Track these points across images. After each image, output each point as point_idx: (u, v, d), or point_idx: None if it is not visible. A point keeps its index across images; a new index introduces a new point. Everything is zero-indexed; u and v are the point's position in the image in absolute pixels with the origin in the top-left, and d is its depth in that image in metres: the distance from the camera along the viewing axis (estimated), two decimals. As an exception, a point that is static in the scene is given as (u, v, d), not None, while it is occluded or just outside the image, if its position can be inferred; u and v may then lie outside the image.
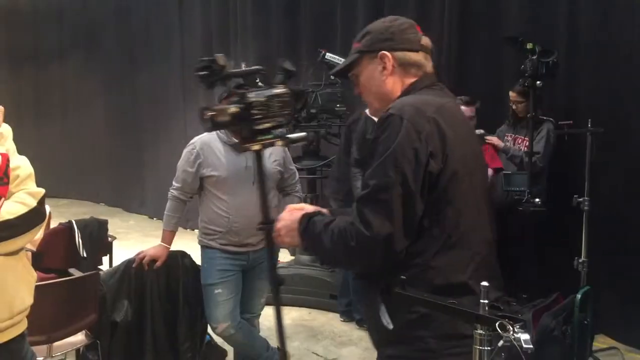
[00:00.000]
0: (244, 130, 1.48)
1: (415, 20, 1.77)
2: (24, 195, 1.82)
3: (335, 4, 5.95)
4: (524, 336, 1.13)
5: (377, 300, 1.49)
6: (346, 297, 4.58)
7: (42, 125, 10.05)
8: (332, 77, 4.62)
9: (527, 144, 4.03)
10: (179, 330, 3.34)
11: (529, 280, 3.97)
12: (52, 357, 2.91)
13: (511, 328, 1.12)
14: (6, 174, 1.71)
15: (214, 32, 7.57)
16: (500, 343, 1.13)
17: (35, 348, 2.03)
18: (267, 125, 1.48)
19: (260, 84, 1.54)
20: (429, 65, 1.70)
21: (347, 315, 4.60)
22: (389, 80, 1.67)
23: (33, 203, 1.82)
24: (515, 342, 1.12)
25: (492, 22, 4.59)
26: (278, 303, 1.59)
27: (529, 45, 3.87)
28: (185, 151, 3.19)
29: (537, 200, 3.82)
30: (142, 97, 9.07)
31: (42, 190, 1.88)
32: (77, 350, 3.13)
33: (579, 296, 3.29)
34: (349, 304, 4.56)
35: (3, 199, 1.69)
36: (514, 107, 4.29)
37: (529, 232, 4.01)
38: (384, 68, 1.66)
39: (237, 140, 3.12)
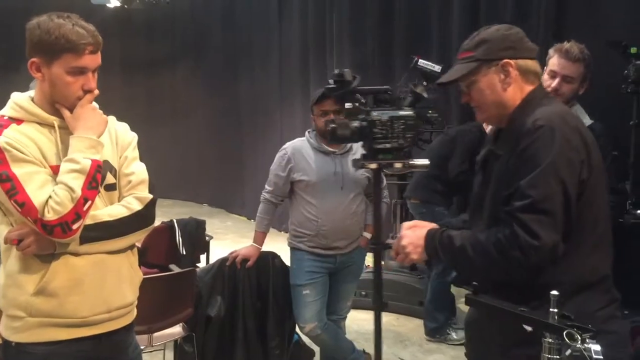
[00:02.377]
0: (365, 146, 1.55)
1: (514, 22, 1.81)
2: (132, 199, 1.91)
3: (431, 11, 5.93)
4: (595, 347, 1.12)
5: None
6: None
7: (152, 129, 10.63)
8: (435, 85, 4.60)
9: None
10: (269, 327, 3.46)
11: (630, 295, 3.77)
12: (152, 346, 3.12)
13: (579, 337, 1.12)
14: (95, 179, 1.77)
15: (309, 41, 7.76)
16: (569, 352, 1.13)
17: (136, 337, 2.17)
18: (387, 145, 1.53)
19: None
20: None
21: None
22: (510, 88, 1.70)
23: (137, 207, 1.90)
24: (585, 352, 1.12)
25: (591, 27, 4.39)
26: (379, 328, 1.65)
27: (633, 50, 3.69)
28: (277, 156, 3.33)
29: (638, 211, 3.62)
30: (243, 104, 9.44)
31: (150, 196, 1.95)
32: (175, 341, 3.32)
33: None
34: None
35: (90, 202, 1.75)
36: None
37: (630, 246, 3.81)
38: (506, 76, 1.69)
39: (327, 147, 3.22)
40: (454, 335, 4.30)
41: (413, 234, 1.71)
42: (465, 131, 4.12)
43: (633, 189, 3.71)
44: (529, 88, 1.72)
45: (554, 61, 2.70)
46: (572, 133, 1.58)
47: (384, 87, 1.64)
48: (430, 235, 1.68)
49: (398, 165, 1.55)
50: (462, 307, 4.78)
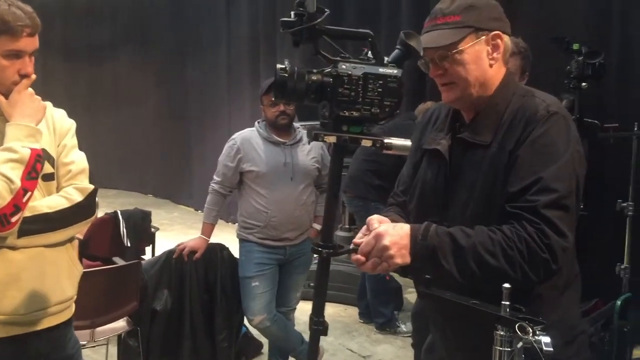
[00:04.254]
0: (326, 111, 1.16)
1: None
2: (72, 190, 1.84)
3: (381, 2, 5.95)
4: (545, 339, 1.13)
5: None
6: (365, 299, 4.55)
7: (94, 117, 10.38)
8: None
9: None
10: (216, 320, 3.42)
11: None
12: (95, 341, 3.02)
13: (531, 330, 1.12)
14: (35, 168, 1.69)
15: (260, 29, 7.67)
16: (520, 344, 1.14)
17: (78, 333, 2.09)
18: (355, 113, 1.14)
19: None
20: None
21: (366, 317, 4.59)
22: (495, 65, 1.48)
23: (78, 198, 1.83)
24: (535, 345, 1.13)
25: (540, 23, 4.49)
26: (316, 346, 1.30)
27: (575, 46, 3.79)
28: (226, 146, 3.27)
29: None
30: (191, 92, 9.28)
31: (90, 187, 1.88)
32: (119, 336, 3.23)
33: (619, 303, 3.22)
34: (367, 305, 4.54)
35: (30, 193, 1.67)
36: None
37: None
38: (495, 50, 1.47)
39: (277, 137, 3.18)
40: (403, 327, 4.35)
41: (394, 230, 1.35)
42: (403, 123, 4.07)
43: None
44: (504, 69, 1.51)
45: None
46: (573, 124, 1.45)
47: (365, 31, 1.20)
48: (418, 232, 1.35)
49: (367, 143, 1.14)
50: (409, 297, 4.85)
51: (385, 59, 1.20)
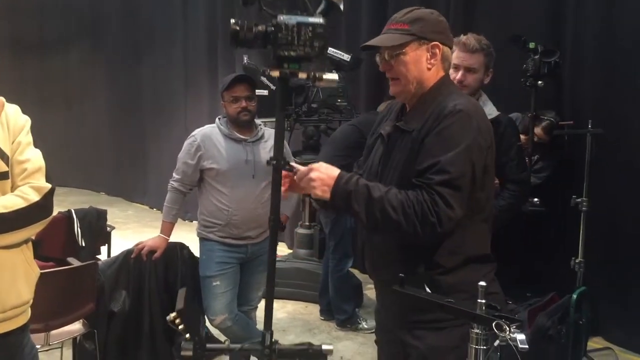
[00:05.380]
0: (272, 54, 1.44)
1: None
2: (28, 189, 1.78)
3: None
4: (520, 336, 1.14)
5: (423, 273, 1.71)
6: (326, 296, 4.54)
7: (44, 113, 10.01)
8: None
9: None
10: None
11: (526, 278, 3.99)
12: (49, 345, 2.93)
13: (507, 328, 1.13)
14: None
15: (218, 21, 7.54)
16: (497, 343, 1.14)
17: (32, 336, 2.02)
18: (292, 53, 1.43)
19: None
20: None
21: (327, 314, 4.58)
22: (433, 69, 1.80)
23: (35, 198, 1.77)
24: (511, 342, 1.13)
25: (497, 21, 4.57)
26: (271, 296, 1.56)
27: (531, 45, 3.87)
28: (186, 143, 3.20)
29: (535, 200, 3.83)
30: (145, 88, 9.06)
31: (48, 186, 1.83)
32: (74, 339, 3.13)
33: (574, 296, 3.30)
34: (329, 303, 4.53)
35: None
36: (535, 139, 4.06)
37: (526, 231, 4.02)
38: (432, 57, 1.79)
39: (239, 134, 3.13)
40: (364, 324, 4.36)
41: (325, 170, 1.69)
42: (370, 117, 4.08)
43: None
44: (442, 73, 1.83)
45: (455, 54, 2.78)
46: (483, 121, 1.75)
47: None
48: (343, 178, 1.68)
49: (302, 75, 1.44)
50: (369, 293, 4.87)
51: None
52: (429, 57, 1.78)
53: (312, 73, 1.47)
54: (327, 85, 1.63)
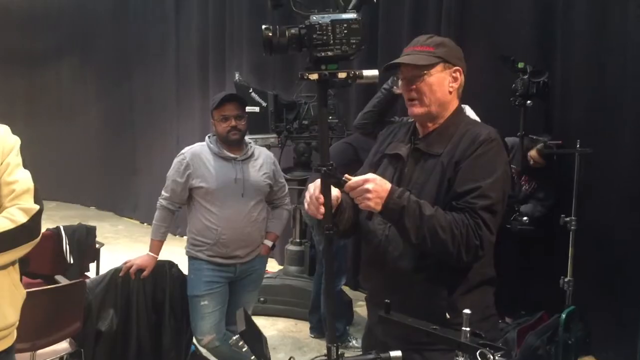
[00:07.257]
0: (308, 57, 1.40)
1: (411, 37, 1.93)
2: (15, 210, 1.76)
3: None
4: (504, 365, 1.14)
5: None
6: (317, 313, 4.50)
7: (34, 127, 10.01)
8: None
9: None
10: (164, 340, 3.31)
11: (515, 297, 3.99)
12: (35, 365, 2.89)
13: (492, 357, 1.13)
14: None
15: (210, 37, 7.56)
16: (481, 371, 1.14)
17: (18, 356, 2.00)
18: (329, 53, 1.38)
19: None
20: None
21: (317, 332, 4.54)
22: (453, 93, 1.86)
23: (23, 219, 1.76)
24: (495, 370, 1.13)
25: (487, 40, 4.60)
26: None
27: (520, 65, 3.90)
28: (175, 161, 3.19)
29: (524, 218, 3.84)
30: (136, 102, 9.06)
31: (36, 207, 1.81)
32: (61, 358, 3.09)
33: (563, 316, 3.31)
34: (319, 320, 4.49)
35: None
36: (531, 162, 4.02)
37: (515, 250, 4.02)
38: (454, 81, 1.84)
39: (228, 153, 3.13)
40: (354, 342, 4.33)
41: (380, 182, 1.69)
42: (364, 139, 4.07)
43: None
44: (457, 102, 1.89)
45: None
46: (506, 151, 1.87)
47: None
48: (396, 192, 1.68)
49: (342, 75, 1.39)
50: (359, 310, 4.85)
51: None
52: (451, 80, 1.83)
53: (353, 71, 1.42)
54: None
